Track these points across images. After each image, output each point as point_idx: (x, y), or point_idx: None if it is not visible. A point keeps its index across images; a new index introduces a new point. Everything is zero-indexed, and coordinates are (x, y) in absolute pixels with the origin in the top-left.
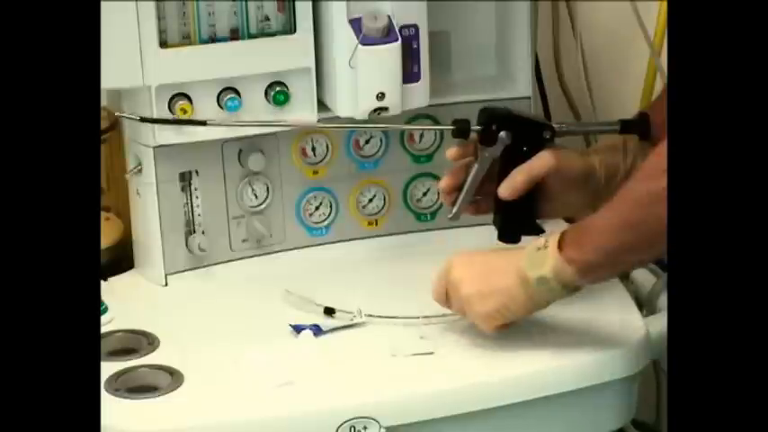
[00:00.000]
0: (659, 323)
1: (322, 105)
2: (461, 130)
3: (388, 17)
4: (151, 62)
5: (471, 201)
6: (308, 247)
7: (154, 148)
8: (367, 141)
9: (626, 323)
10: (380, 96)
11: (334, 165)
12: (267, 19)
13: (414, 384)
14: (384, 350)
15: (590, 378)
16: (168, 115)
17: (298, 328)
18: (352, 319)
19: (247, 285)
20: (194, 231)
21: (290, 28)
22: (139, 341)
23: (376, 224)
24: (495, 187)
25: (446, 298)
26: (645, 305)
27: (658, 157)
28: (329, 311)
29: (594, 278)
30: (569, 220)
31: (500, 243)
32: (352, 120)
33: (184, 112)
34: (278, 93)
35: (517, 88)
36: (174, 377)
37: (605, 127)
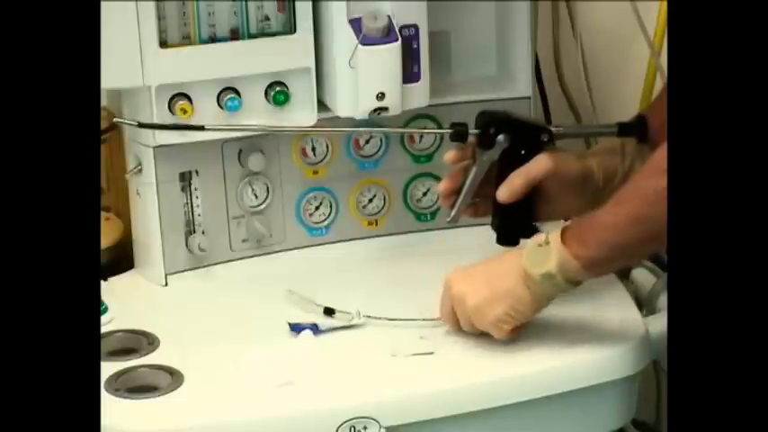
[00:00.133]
0: (659, 323)
1: (322, 105)
2: (459, 133)
3: (388, 17)
4: (151, 62)
5: (470, 204)
6: (308, 247)
7: (154, 148)
8: (367, 141)
9: (626, 323)
10: (380, 96)
11: (335, 165)
12: (267, 19)
13: (414, 384)
14: (384, 350)
15: (590, 378)
16: (168, 115)
17: (296, 328)
18: (350, 320)
19: (247, 285)
20: (194, 231)
21: (290, 28)
22: (139, 341)
23: (376, 224)
24: (494, 190)
25: (455, 319)
26: (645, 305)
27: (665, 154)
28: (329, 312)
29: (599, 272)
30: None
31: (499, 246)
32: (351, 120)
33: (184, 112)
34: (278, 93)
35: (517, 88)
36: (174, 377)
37: (603, 130)
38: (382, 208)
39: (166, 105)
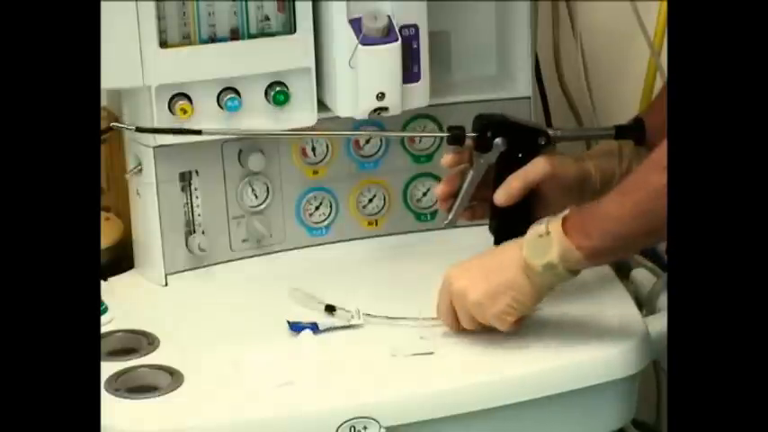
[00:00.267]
0: (659, 323)
1: (322, 105)
2: (456, 137)
3: (388, 17)
4: (151, 62)
5: (467, 207)
6: (308, 247)
7: (154, 148)
8: (367, 141)
9: (626, 323)
10: (380, 96)
11: (335, 165)
12: (267, 19)
13: (414, 384)
14: (384, 350)
15: (590, 378)
16: (168, 115)
17: (295, 327)
18: (350, 320)
19: (247, 285)
20: (194, 231)
21: (290, 28)
22: (139, 341)
23: (376, 224)
24: (491, 193)
25: (453, 317)
26: (645, 305)
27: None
28: (330, 309)
29: (600, 262)
30: None
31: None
32: (351, 120)
33: (184, 112)
34: (278, 93)
35: (517, 88)
36: (174, 377)
37: (600, 132)
38: (382, 208)
39: (166, 105)
